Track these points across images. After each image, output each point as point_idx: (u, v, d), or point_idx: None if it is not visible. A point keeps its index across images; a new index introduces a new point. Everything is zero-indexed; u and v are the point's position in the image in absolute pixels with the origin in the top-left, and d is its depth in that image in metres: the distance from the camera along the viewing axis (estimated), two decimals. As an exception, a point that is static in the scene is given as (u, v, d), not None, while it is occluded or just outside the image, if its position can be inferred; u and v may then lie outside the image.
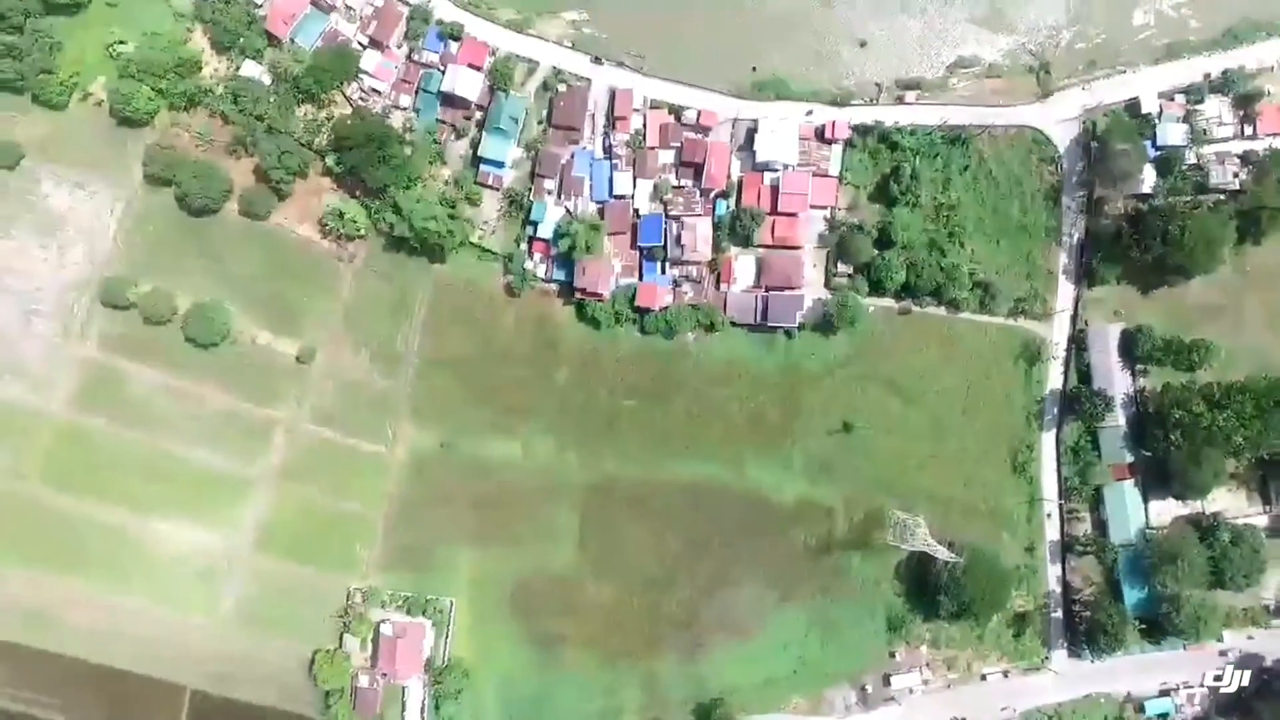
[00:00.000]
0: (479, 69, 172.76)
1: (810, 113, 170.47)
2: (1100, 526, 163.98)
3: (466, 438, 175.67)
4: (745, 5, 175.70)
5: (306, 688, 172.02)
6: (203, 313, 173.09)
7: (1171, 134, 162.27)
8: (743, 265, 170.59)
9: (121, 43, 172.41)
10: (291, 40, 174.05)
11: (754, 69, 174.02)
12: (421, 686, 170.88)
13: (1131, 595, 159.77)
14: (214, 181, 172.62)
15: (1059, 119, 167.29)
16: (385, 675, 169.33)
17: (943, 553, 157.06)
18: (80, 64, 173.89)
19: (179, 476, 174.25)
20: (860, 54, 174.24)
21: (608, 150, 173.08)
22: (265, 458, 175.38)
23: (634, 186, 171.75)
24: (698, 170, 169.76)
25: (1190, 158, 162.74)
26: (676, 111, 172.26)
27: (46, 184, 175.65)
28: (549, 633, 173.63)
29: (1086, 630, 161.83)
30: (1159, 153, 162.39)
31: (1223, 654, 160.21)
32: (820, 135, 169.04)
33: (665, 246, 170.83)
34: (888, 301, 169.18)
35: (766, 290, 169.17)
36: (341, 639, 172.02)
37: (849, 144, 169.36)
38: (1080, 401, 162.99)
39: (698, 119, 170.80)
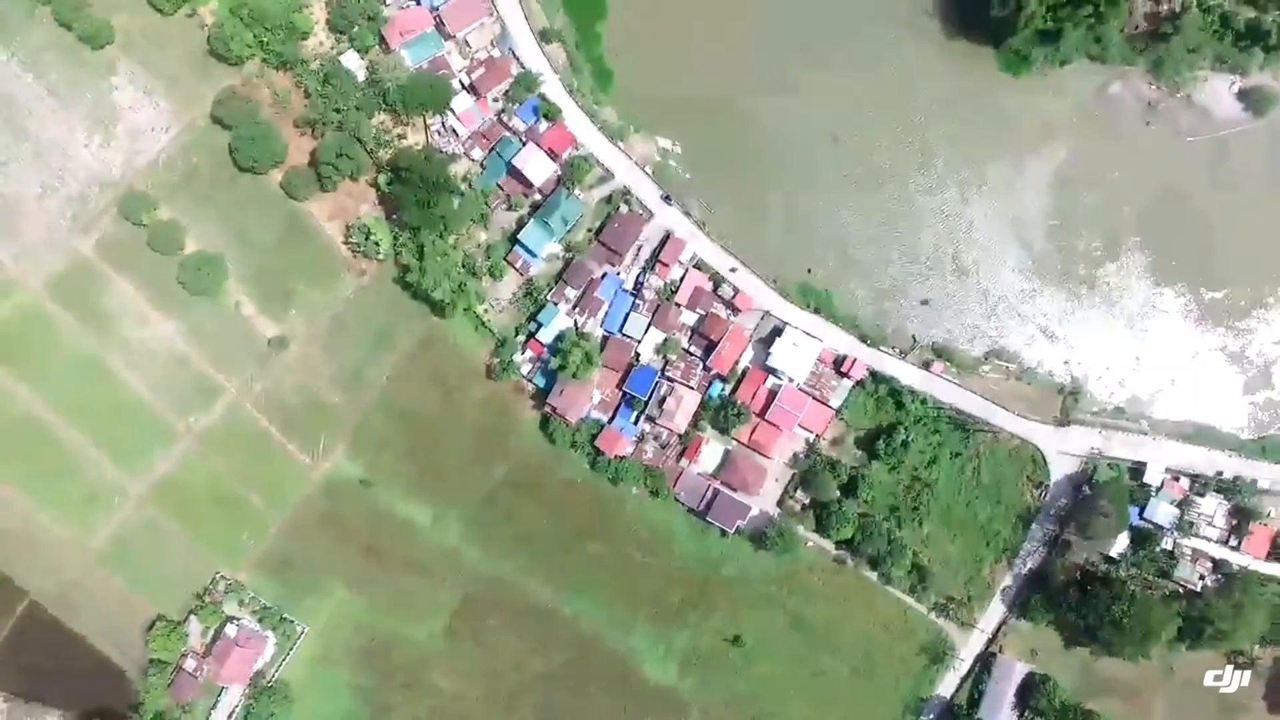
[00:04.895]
0: (556, 156, 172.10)
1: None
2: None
3: (387, 486, 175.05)
4: (843, 222, 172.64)
5: (136, 646, 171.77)
6: (203, 262, 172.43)
7: (1161, 513, 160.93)
8: (710, 451, 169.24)
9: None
10: (399, 51, 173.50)
11: (810, 270, 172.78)
12: (240, 695, 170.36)
13: None
14: (270, 146, 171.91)
15: (1064, 449, 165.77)
16: (210, 670, 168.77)
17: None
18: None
19: (113, 398, 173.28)
20: (914, 307, 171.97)
21: (637, 287, 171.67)
22: (198, 418, 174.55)
23: (645, 332, 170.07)
24: (710, 345, 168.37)
25: (1168, 542, 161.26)
26: (717, 280, 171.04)
27: (120, 77, 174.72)
28: (384, 698, 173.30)
29: None
30: (1141, 523, 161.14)
31: None
32: (837, 365, 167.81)
33: (648, 401, 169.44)
34: (827, 544, 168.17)
35: (721, 484, 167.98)
36: (188, 617, 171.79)
37: (860, 384, 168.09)
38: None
39: (733, 296, 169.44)
